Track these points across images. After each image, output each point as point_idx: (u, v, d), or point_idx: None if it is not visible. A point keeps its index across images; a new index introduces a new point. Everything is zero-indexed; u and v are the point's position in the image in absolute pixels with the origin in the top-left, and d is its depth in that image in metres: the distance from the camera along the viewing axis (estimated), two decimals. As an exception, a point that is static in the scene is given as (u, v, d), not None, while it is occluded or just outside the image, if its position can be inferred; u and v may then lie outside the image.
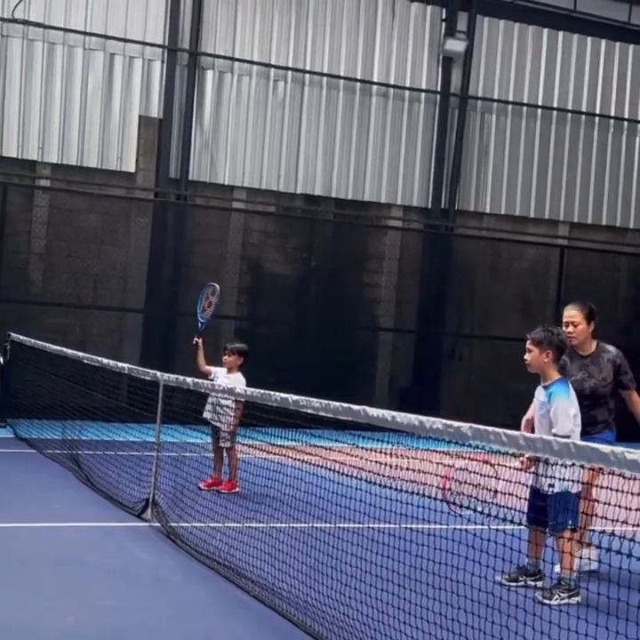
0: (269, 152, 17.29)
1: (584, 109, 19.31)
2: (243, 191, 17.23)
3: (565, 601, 6.10)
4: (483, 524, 4.68)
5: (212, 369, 9.97)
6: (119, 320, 16.21)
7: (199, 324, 10.28)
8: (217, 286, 10.47)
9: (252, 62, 17.12)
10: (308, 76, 17.53)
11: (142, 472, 8.60)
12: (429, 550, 5.27)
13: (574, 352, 7.25)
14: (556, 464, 5.79)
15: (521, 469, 6.11)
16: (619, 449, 3.70)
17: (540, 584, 6.51)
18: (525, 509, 6.21)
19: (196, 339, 10.04)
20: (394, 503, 5.34)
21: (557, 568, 6.35)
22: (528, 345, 6.65)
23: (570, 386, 6.61)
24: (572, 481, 5.96)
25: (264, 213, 17.34)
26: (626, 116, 19.58)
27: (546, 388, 6.56)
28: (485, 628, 4.81)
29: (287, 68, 17.34)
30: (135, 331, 16.08)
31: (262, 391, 6.82)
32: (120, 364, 9.44)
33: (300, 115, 17.51)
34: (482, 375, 17.93)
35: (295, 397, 6.12)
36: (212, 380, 9.62)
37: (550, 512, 6.26)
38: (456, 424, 4.73)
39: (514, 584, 6.40)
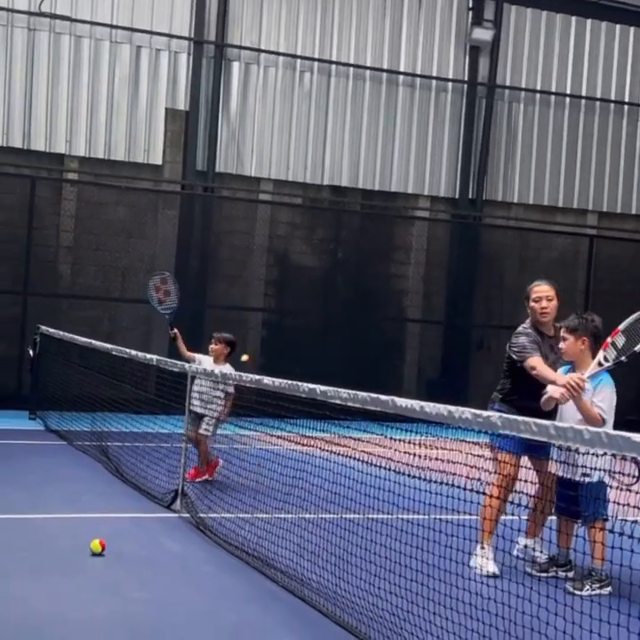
0: (296, 143, 17.27)
1: (613, 98, 19.13)
2: (269, 183, 17.23)
3: (597, 591, 6.06)
4: (512, 514, 4.65)
5: (197, 356, 9.87)
6: (147, 312, 16.24)
7: (166, 316, 10.25)
8: (166, 273, 10.48)
9: (277, 53, 17.10)
10: (334, 66, 17.49)
11: (171, 463, 8.64)
12: (459, 541, 5.25)
13: (541, 333, 7.03)
14: (588, 453, 5.75)
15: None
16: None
17: (570, 574, 6.47)
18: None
19: (171, 331, 9.99)
20: (423, 493, 5.32)
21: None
22: (562, 333, 6.53)
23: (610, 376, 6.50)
24: (605, 470, 5.90)
25: (291, 205, 17.32)
26: (655, 103, 19.38)
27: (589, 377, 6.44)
28: (516, 619, 4.79)
29: (313, 59, 17.31)
30: (163, 323, 16.07)
31: (291, 382, 6.81)
32: (148, 356, 9.47)
33: (327, 105, 17.47)
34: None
35: (323, 388, 6.10)
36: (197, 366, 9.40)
37: (583, 502, 6.20)
38: (485, 413, 4.70)
39: (544, 574, 6.36)
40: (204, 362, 9.73)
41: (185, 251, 16.30)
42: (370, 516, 5.95)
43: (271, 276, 16.98)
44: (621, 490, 4.45)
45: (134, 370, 11.05)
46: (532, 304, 7.08)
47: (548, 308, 6.97)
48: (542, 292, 7.06)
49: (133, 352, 9.85)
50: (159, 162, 16.41)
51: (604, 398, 6.29)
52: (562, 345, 6.53)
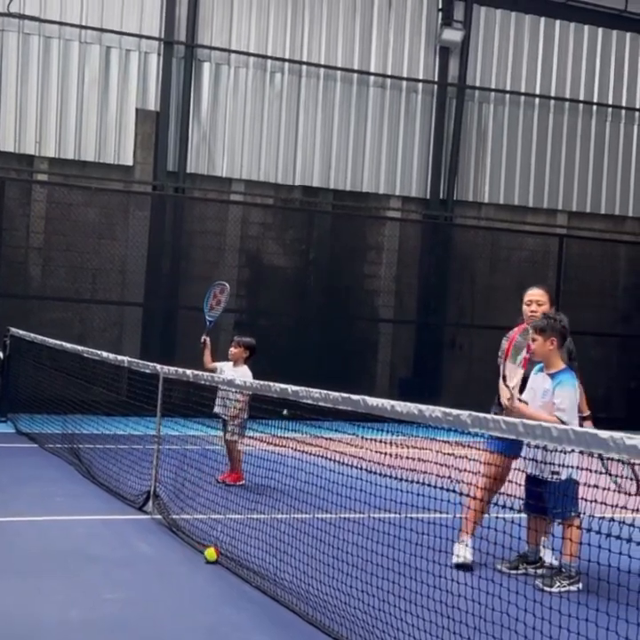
0: (267, 144, 17.28)
1: (582, 98, 19.29)
2: (241, 183, 17.23)
3: (566, 588, 6.12)
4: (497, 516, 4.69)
5: (218, 365, 9.96)
6: (119, 314, 16.23)
7: (207, 323, 10.30)
8: (227, 285, 10.51)
9: (248, 54, 17.10)
10: (305, 67, 17.51)
11: (143, 465, 8.62)
12: (430, 539, 5.29)
13: None
14: (556, 450, 5.80)
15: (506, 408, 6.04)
16: (618, 434, 3.71)
17: (540, 571, 6.53)
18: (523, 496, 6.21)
19: (203, 337, 10.07)
20: (394, 492, 5.35)
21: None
22: (531, 334, 6.61)
23: (575, 376, 6.59)
24: (574, 468, 5.95)
25: (262, 205, 17.33)
26: (623, 104, 19.55)
27: (552, 376, 6.52)
28: (486, 615, 4.83)
29: (284, 60, 17.32)
30: (135, 324, 16.09)
31: (262, 382, 6.83)
32: (120, 357, 9.44)
33: (298, 106, 17.50)
34: (482, 365, 17.92)
35: (295, 388, 6.12)
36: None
37: (552, 499, 6.25)
38: (455, 412, 4.73)
39: (514, 571, 6.41)
40: (225, 369, 9.80)
41: (156, 252, 16.26)
42: (342, 515, 5.98)
43: (243, 276, 16.98)
44: (621, 493, 4.49)
45: (106, 372, 11.02)
46: (524, 307, 7.36)
47: (537, 311, 7.20)
48: (533, 297, 7.35)
49: (105, 354, 9.82)
50: (130, 162, 16.36)
51: (563, 399, 6.36)
52: (531, 345, 6.60)
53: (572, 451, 4.93)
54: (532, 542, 6.59)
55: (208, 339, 10.10)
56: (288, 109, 17.43)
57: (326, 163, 17.67)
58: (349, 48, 17.74)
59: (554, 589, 6.08)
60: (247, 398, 9.13)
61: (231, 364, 9.91)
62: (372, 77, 17.95)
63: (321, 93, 17.65)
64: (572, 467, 5.78)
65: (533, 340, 6.56)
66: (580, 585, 6.19)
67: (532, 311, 7.28)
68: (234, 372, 9.54)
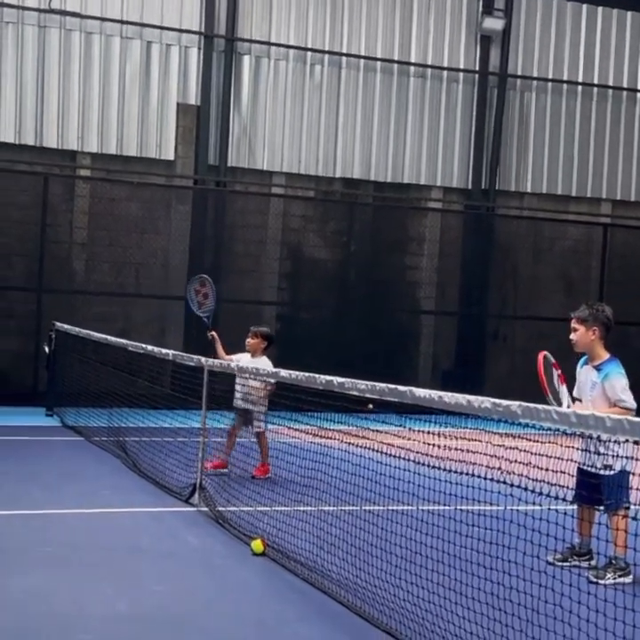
0: (307, 136, 17.24)
1: (625, 85, 19.02)
2: (281, 176, 17.21)
3: (618, 580, 6.04)
4: (534, 503, 4.63)
5: (234, 357, 9.81)
6: (162, 308, 16.30)
7: (204, 319, 10.24)
8: (205, 276, 10.44)
9: (288, 46, 17.07)
10: (344, 58, 17.44)
11: (189, 457, 8.65)
12: (479, 530, 5.24)
13: None
14: (609, 441, 5.73)
15: None
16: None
17: (591, 563, 6.45)
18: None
19: (210, 333, 10.00)
20: (443, 484, 5.31)
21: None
22: (573, 324, 6.52)
23: (620, 364, 6.49)
24: (628, 458, 5.87)
25: (303, 198, 17.30)
26: (668, 90, 19.26)
27: (597, 368, 6.43)
28: (538, 608, 4.77)
29: (324, 52, 17.27)
30: (178, 318, 16.15)
31: (307, 374, 6.80)
32: (164, 351, 9.47)
33: (338, 98, 17.44)
34: (525, 356, 17.76)
35: (341, 380, 6.09)
36: None
37: (605, 491, 6.17)
38: (505, 403, 4.67)
39: (565, 564, 6.34)
40: (243, 360, 9.67)
41: (198, 245, 16.31)
42: (390, 507, 5.94)
43: (285, 269, 16.98)
44: None
45: (150, 365, 11.07)
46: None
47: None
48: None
49: (149, 347, 9.85)
50: (171, 157, 16.41)
51: (615, 389, 6.27)
52: (572, 336, 6.51)
53: (626, 441, 4.85)
54: (585, 534, 6.50)
55: (214, 333, 9.99)
56: (328, 101, 17.38)
57: (367, 154, 17.61)
58: (389, 38, 17.64)
59: (606, 581, 6.01)
60: (272, 388, 9.05)
61: (248, 355, 9.76)
62: (412, 68, 17.83)
63: (361, 85, 17.57)
64: (626, 457, 5.70)
65: (574, 331, 6.47)
66: (632, 576, 6.10)
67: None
68: (252, 364, 9.39)
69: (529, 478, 4.65)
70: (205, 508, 7.88)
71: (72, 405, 12.68)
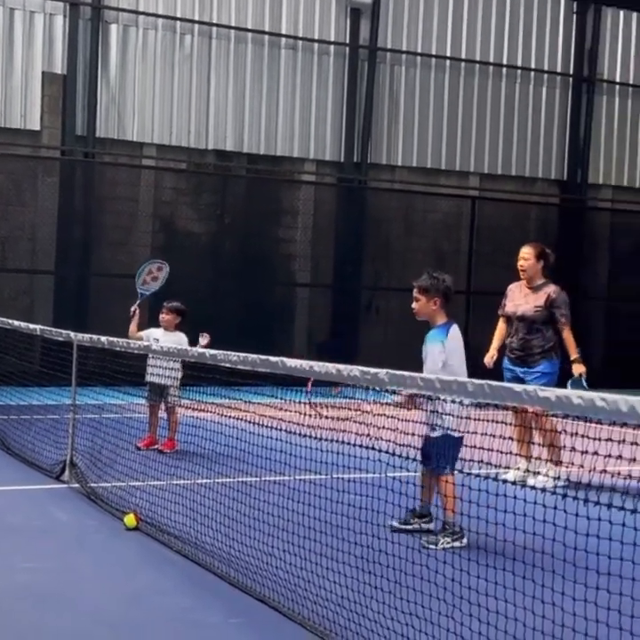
0: (178, 107, 17.01)
1: (491, 60, 19.43)
2: (152, 148, 16.94)
3: (450, 545, 6.19)
4: (402, 469, 4.74)
5: (144, 333, 9.79)
6: (30, 282, 15.88)
7: (139, 294, 10.14)
8: (166, 265, 10.35)
9: (157, 15, 16.76)
10: (215, 29, 17.25)
11: (60, 434, 8.50)
12: (351, 497, 5.32)
13: (525, 284, 8.74)
14: (435, 411, 5.88)
15: (401, 404, 6.09)
16: (531, 387, 3.73)
17: (431, 526, 6.58)
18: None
19: (134, 307, 9.90)
20: (315, 452, 5.37)
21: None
22: (415, 293, 6.61)
23: (451, 330, 6.55)
24: (452, 427, 5.99)
25: (175, 170, 17.09)
26: (532, 65, 19.77)
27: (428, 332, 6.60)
28: (406, 569, 4.90)
29: (193, 21, 17.03)
30: (46, 293, 15.77)
31: (179, 347, 6.77)
32: (32, 326, 9.26)
33: (209, 69, 17.25)
34: (399, 326, 18.09)
35: (213, 352, 6.11)
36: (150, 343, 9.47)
37: (432, 455, 6.26)
38: (373, 370, 4.76)
39: (408, 527, 6.48)
40: (154, 334, 9.71)
41: (67, 218, 15.91)
42: (265, 478, 5.98)
43: (157, 242, 16.75)
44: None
45: (18, 341, 10.78)
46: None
47: (523, 266, 8.70)
48: (521, 253, 8.74)
49: (16, 323, 9.61)
50: (37, 127, 15.92)
51: (427, 359, 6.44)
52: (414, 305, 6.63)
53: (453, 403, 5.03)
54: (425, 498, 6.64)
55: (138, 310, 9.94)
56: (199, 72, 17.17)
57: (239, 126, 17.49)
58: (260, 9, 17.52)
59: (438, 547, 6.13)
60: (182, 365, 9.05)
61: (162, 330, 9.81)
62: (283, 39, 17.78)
63: (232, 56, 17.42)
64: (449, 424, 5.88)
65: (417, 300, 6.59)
66: (465, 540, 6.25)
67: (519, 266, 8.70)
68: (167, 338, 9.46)
69: (397, 444, 4.76)
70: (77, 485, 7.77)
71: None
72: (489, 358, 8.87)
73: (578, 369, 8.61)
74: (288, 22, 17.74)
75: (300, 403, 6.06)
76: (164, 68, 16.88)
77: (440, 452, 6.21)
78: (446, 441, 6.17)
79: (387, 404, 5.51)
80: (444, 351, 6.42)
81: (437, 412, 6.01)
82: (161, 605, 5.16)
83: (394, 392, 5.13)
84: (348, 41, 18.19)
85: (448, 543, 6.20)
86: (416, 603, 4.58)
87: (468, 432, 5.37)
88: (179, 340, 9.51)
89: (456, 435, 5.98)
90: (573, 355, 8.64)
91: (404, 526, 6.47)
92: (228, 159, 17.60)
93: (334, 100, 18.19)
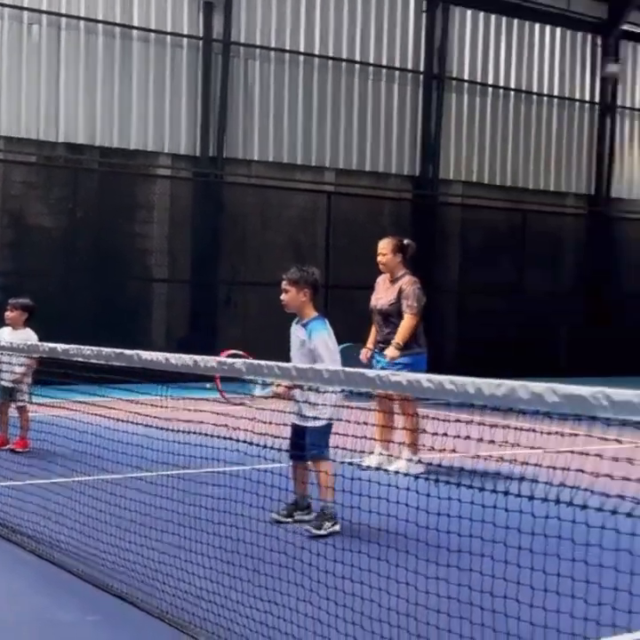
0: (27, 99, 16.53)
1: (345, 57, 19.67)
2: (0, 140, 16.41)
3: (331, 528, 6.31)
4: (267, 460, 4.77)
5: None
6: None
7: None
8: None
9: (3, 5, 16.24)
10: (64, 19, 16.84)
11: None
12: (209, 488, 5.32)
13: (388, 278, 8.91)
14: (308, 401, 5.98)
15: (280, 396, 6.16)
16: (384, 373, 3.86)
17: (311, 517, 6.66)
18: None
19: None
20: (174, 446, 5.34)
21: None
22: (284, 285, 6.66)
23: (327, 322, 6.71)
24: (329, 416, 6.12)
25: (25, 163, 16.61)
26: (384, 63, 20.12)
27: (305, 325, 6.65)
28: (265, 557, 4.93)
29: (41, 11, 16.58)
30: None
31: (29, 343, 6.60)
32: None
33: (58, 60, 16.83)
34: (257, 320, 18.14)
35: (65, 346, 5.98)
36: None
37: (308, 445, 6.34)
38: (230, 361, 4.79)
39: (289, 520, 6.55)
40: (3, 334, 9.35)
41: None
42: (126, 475, 5.91)
43: (7, 238, 16.26)
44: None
45: None
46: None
47: (382, 260, 8.87)
48: (379, 248, 8.89)
49: None
50: None
51: (318, 345, 6.48)
52: (283, 296, 6.68)
53: (328, 391, 5.12)
54: (300, 492, 6.72)
55: None
56: (48, 63, 16.73)
57: (91, 119, 17.14)
58: (111, 1, 17.20)
59: (323, 531, 6.24)
60: (33, 362, 8.81)
61: (9, 329, 9.50)
62: (135, 31, 17.51)
63: (83, 47, 17.04)
64: (325, 412, 5.99)
65: (286, 292, 6.65)
66: (339, 526, 6.36)
67: (378, 261, 8.88)
68: (14, 336, 9.15)
69: (254, 433, 4.78)
70: None
71: None
72: (364, 355, 8.96)
73: (390, 352, 8.54)
74: (140, 14, 17.49)
75: (158, 397, 6.00)
76: (10, 59, 16.38)
77: (316, 442, 6.28)
78: (326, 429, 6.27)
79: (263, 397, 5.55)
80: (331, 340, 6.54)
81: (310, 402, 6.08)
82: (15, 606, 5.02)
83: (271, 383, 5.16)
84: (201, 34, 18.08)
85: (330, 527, 6.30)
86: (274, 590, 4.62)
87: (338, 420, 5.46)
88: (27, 337, 9.20)
89: (330, 423, 6.13)
90: (396, 340, 8.56)
91: (285, 520, 6.51)
92: (79, 152, 17.22)
93: (189, 93, 18.05)
